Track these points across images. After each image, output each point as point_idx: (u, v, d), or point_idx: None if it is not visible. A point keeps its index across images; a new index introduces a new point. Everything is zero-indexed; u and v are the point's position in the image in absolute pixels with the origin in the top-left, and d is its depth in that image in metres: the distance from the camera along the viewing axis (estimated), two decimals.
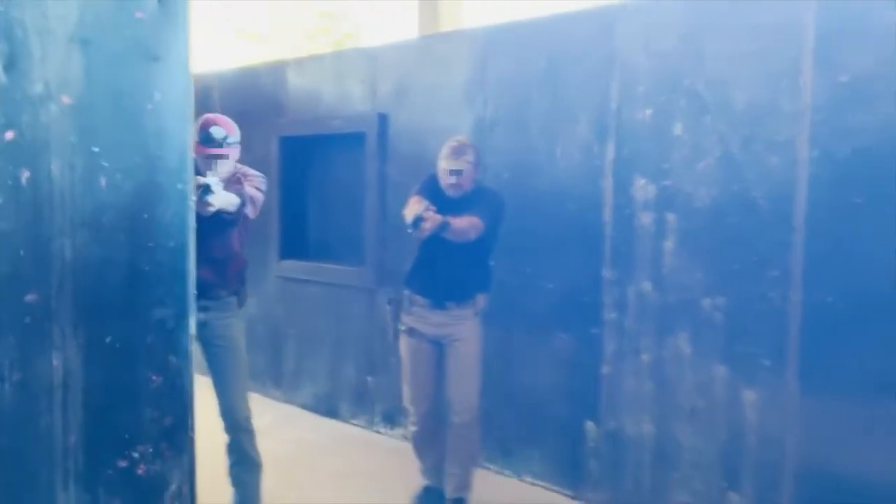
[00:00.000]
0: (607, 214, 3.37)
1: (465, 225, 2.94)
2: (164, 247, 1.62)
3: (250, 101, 4.98)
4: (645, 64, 3.24)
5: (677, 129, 3.15)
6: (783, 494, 2.92)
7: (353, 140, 4.49)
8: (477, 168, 3.20)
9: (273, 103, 4.93)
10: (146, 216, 1.59)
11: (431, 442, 3.40)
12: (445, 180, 3.16)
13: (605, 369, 3.42)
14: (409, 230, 2.87)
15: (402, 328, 3.31)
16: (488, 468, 3.82)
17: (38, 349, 1.46)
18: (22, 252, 1.42)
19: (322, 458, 4.12)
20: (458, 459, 3.33)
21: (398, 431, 4.35)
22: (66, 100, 1.47)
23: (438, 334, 3.24)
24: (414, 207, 2.90)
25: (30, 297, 1.44)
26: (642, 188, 3.26)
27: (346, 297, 4.58)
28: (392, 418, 4.39)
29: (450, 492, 3.35)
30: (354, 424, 4.60)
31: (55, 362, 1.48)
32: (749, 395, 3.01)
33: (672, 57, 3.15)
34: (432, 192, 3.14)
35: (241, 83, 5.19)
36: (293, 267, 4.88)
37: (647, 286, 3.27)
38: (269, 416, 4.46)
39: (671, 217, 3.19)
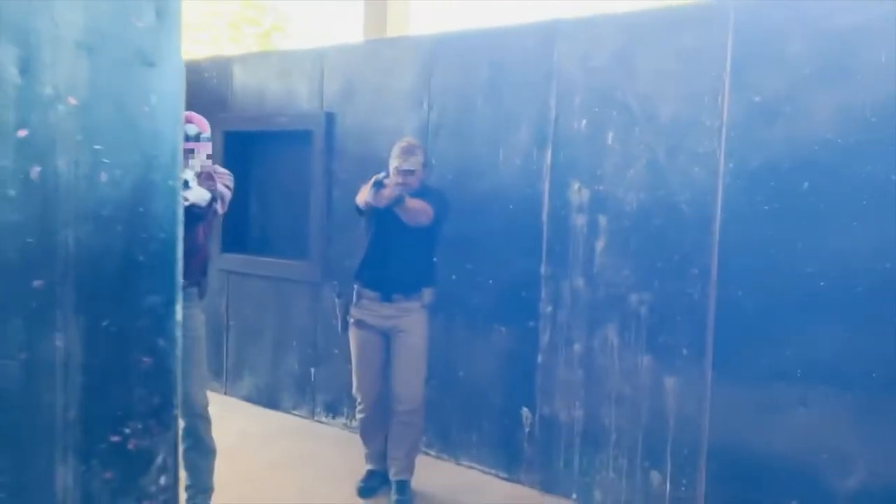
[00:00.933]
0: (545, 215, 3.63)
1: (419, 206, 3.14)
2: (157, 238, 1.75)
3: (194, 94, 4.98)
4: (581, 78, 3.51)
5: (609, 138, 3.43)
6: (698, 470, 3.24)
7: (298, 137, 4.61)
8: (425, 168, 3.40)
9: (217, 98, 4.99)
10: (141, 210, 1.72)
11: (378, 428, 3.59)
12: (396, 179, 3.34)
13: (541, 359, 3.68)
14: (368, 199, 3.05)
15: (352, 320, 3.48)
16: (427, 453, 4.03)
17: (42, 331, 1.57)
18: (30, 241, 1.54)
19: (267, 446, 4.23)
20: (402, 445, 3.52)
21: (340, 421, 4.51)
22: (72, 101, 1.58)
23: (386, 326, 3.43)
24: (371, 181, 3.08)
25: (37, 283, 1.55)
26: (577, 192, 3.53)
27: (290, 290, 4.70)
28: (334, 408, 4.54)
29: (393, 474, 3.54)
30: (296, 415, 4.72)
31: (58, 344, 1.59)
32: (669, 382, 3.32)
33: (606, 73, 3.43)
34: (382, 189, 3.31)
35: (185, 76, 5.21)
36: (236, 260, 4.96)
37: (580, 282, 3.54)
38: (211, 407, 4.54)
39: (602, 219, 3.47)
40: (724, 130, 3.13)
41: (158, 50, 1.73)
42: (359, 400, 3.55)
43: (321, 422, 4.61)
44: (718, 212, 3.16)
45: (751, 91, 3.06)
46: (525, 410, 3.74)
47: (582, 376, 3.56)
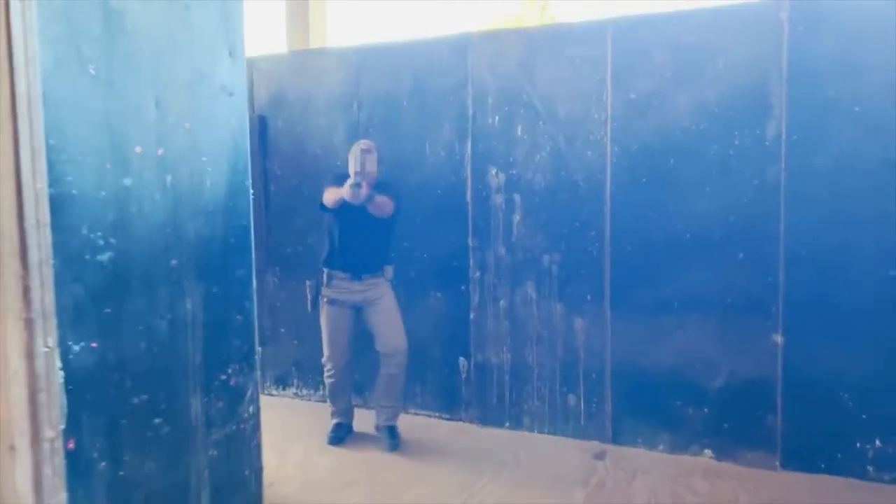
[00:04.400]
0: (468, 197, 4.38)
1: (385, 200, 3.78)
2: (241, 226, 2.32)
3: None
4: (492, 82, 4.27)
5: (519, 131, 4.22)
6: (605, 389, 4.14)
7: None
8: (379, 166, 4.02)
9: None
10: (230, 204, 2.28)
11: (344, 389, 4.21)
12: (362, 179, 3.91)
13: (472, 316, 4.44)
14: (347, 198, 3.61)
15: (324, 299, 4.05)
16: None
17: (178, 297, 2.10)
18: (169, 231, 2.07)
19: None
20: (391, 394, 4.13)
21: (290, 391, 5.05)
22: (186, 126, 2.12)
23: (357, 300, 4.03)
24: (338, 191, 3.66)
25: (173, 262, 2.09)
26: (494, 176, 4.30)
27: None
28: (283, 380, 5.08)
29: (384, 421, 4.16)
30: None
31: (188, 306, 2.13)
32: (578, 323, 4.18)
33: (512, 77, 4.22)
34: (343, 184, 3.91)
35: None
36: None
37: (501, 250, 4.33)
38: None
39: (517, 197, 4.26)
40: (609, 122, 4.01)
41: (233, 82, 2.32)
42: (329, 367, 4.14)
43: (272, 394, 5.13)
44: (608, 186, 4.04)
45: (628, 90, 3.95)
46: (462, 359, 4.49)
47: (508, 326, 4.35)
